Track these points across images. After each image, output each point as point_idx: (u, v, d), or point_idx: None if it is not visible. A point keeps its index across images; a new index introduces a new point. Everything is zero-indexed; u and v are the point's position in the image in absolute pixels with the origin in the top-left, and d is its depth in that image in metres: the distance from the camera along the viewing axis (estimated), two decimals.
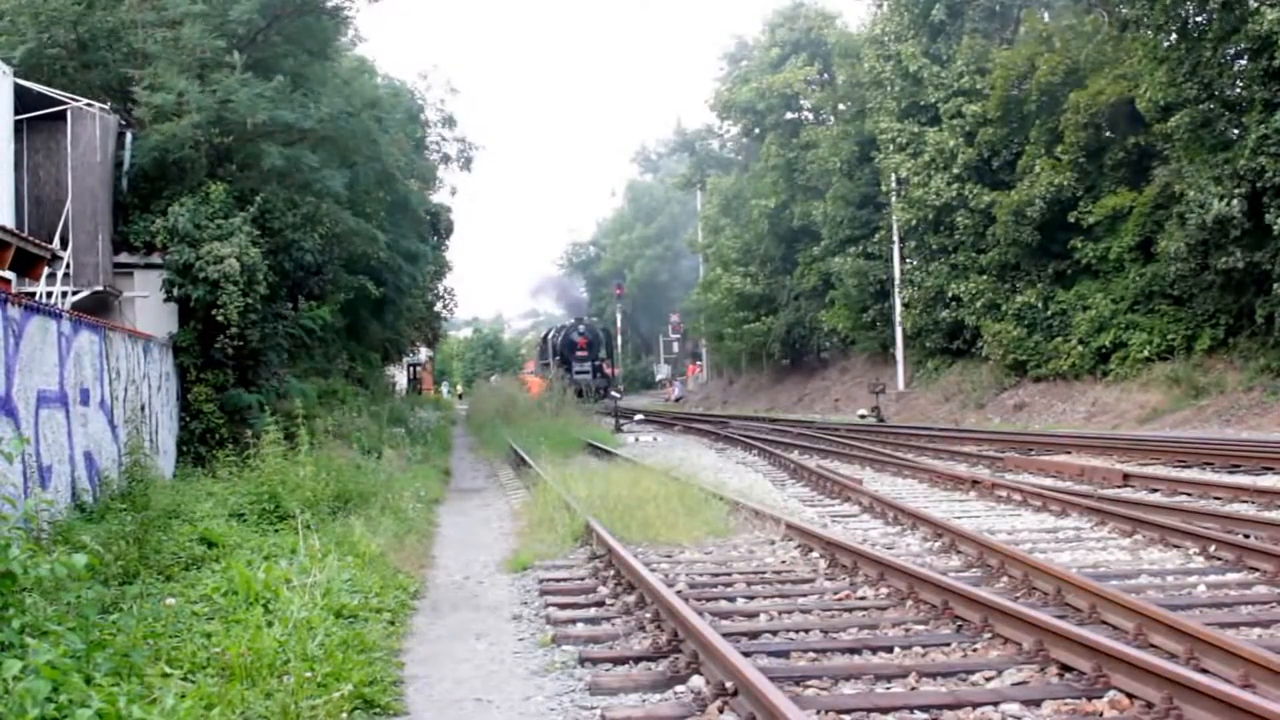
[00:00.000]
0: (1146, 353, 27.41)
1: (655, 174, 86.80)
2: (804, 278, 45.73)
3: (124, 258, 16.32)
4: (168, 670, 5.44)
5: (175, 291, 15.29)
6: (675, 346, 74.78)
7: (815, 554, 9.38)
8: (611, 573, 8.70)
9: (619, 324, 62.40)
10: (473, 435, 32.63)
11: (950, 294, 34.08)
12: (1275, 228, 22.29)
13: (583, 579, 8.90)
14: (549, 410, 31.05)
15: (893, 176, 36.07)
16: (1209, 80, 24.13)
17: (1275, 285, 23.15)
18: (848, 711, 5.18)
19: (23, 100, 15.09)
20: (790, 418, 37.04)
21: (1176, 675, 4.92)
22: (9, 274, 12.08)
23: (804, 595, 7.95)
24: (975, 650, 6.21)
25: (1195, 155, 24.79)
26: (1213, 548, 8.71)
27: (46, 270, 13.77)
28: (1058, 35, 31.24)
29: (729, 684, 5.31)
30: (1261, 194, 23.04)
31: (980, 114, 32.58)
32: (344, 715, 5.12)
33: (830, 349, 46.27)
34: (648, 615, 7.10)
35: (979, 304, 32.75)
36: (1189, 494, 12.43)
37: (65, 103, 15.55)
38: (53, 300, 14.08)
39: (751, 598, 7.91)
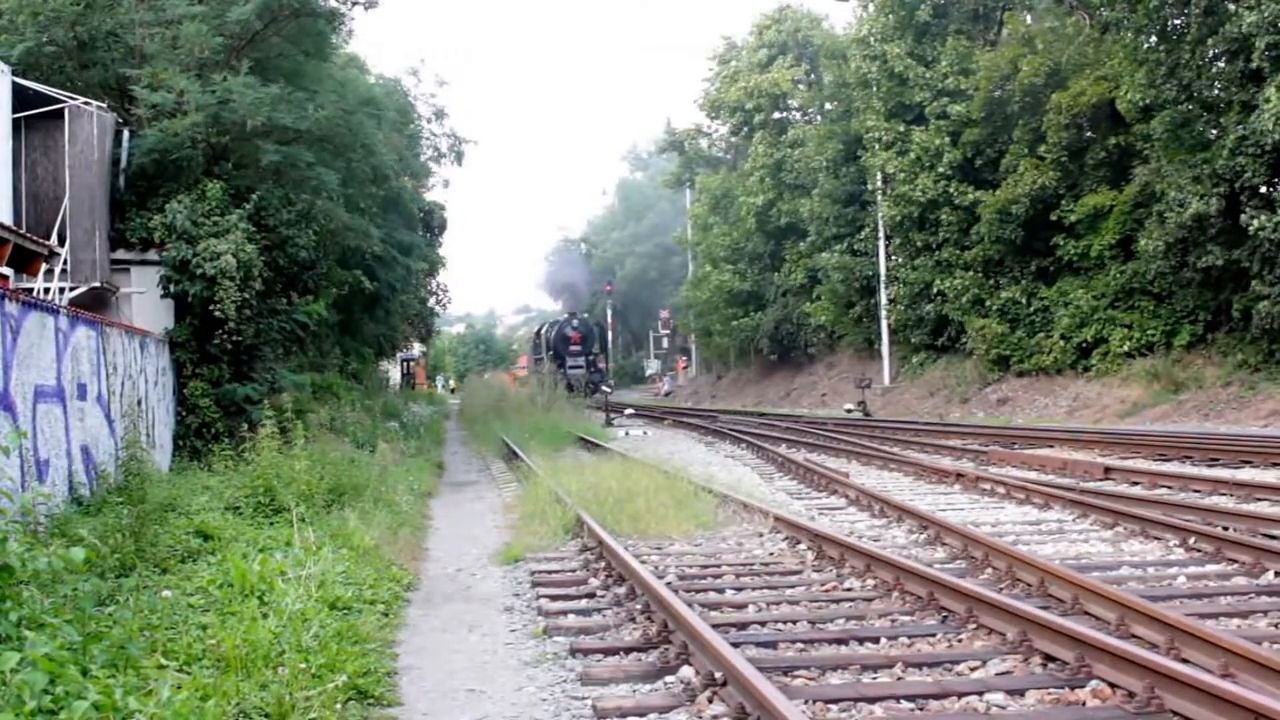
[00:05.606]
0: (1127, 348, 27.68)
1: (645, 172, 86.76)
2: (791, 274, 45.91)
3: (121, 254, 16.43)
4: (164, 662, 5.46)
5: (172, 288, 15.36)
6: (665, 342, 74.86)
7: (803, 546, 9.49)
8: (602, 565, 8.78)
9: (609, 320, 62.40)
10: (465, 429, 32.66)
11: (935, 290, 34.29)
12: (1251, 227, 22.52)
13: (574, 571, 8.97)
14: (540, 405, 31.10)
15: (879, 174, 36.26)
16: (1188, 82, 24.36)
17: (1253, 282, 23.38)
18: (835, 701, 5.24)
19: (21, 98, 15.17)
20: (778, 412, 37.19)
21: (1158, 665, 5.00)
22: (7, 270, 12.12)
23: (792, 587, 8.06)
24: (960, 641, 6.29)
25: (1174, 155, 25.05)
26: (1192, 540, 8.82)
27: (44, 266, 13.84)
28: (1040, 37, 31.44)
29: (718, 674, 5.38)
30: (1239, 194, 23.26)
31: (965, 114, 32.77)
32: (338, 706, 5.14)
33: (817, 344, 46.44)
34: (638, 607, 7.18)
35: (963, 300, 32.94)
36: (1169, 487, 12.56)
37: (63, 101, 15.64)
38: (50, 296, 14.11)
39: (740, 589, 8.00)
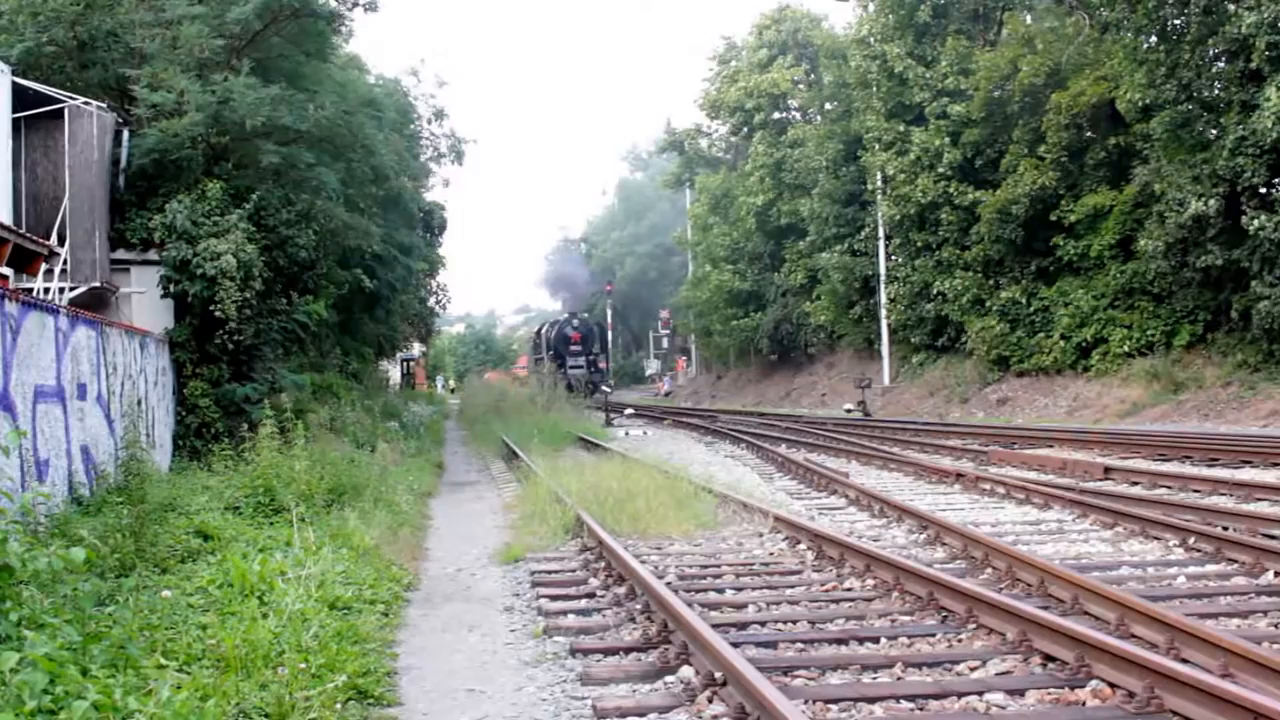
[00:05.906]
0: (1126, 348, 27.71)
1: (645, 172, 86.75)
2: (791, 274, 45.93)
3: (121, 254, 16.47)
4: (163, 662, 5.45)
5: (172, 288, 15.39)
6: (665, 342, 74.83)
7: (803, 546, 9.50)
8: (602, 565, 8.79)
9: (609, 320, 62.45)
10: (465, 429, 32.67)
11: (935, 290, 34.30)
12: (1251, 227, 22.51)
13: (574, 571, 8.97)
14: (540, 405, 31.10)
15: (878, 174, 36.27)
16: (1188, 82, 24.36)
17: (1253, 282, 23.39)
18: (835, 701, 5.24)
19: (21, 98, 15.19)
20: (778, 412, 37.20)
21: (1157, 665, 5.00)
22: (6, 270, 12.10)
23: (792, 586, 8.06)
24: (960, 641, 6.29)
25: (1174, 155, 25.06)
26: (1192, 540, 8.83)
27: (44, 266, 13.84)
28: (1039, 37, 31.46)
29: (718, 674, 5.38)
30: (1239, 194, 23.26)
31: (965, 114, 32.76)
32: (338, 706, 5.15)
33: (817, 344, 46.47)
34: (638, 606, 7.19)
35: (963, 300, 32.96)
36: (1169, 487, 12.58)
37: (63, 101, 15.67)
38: (50, 296, 14.12)
39: (740, 589, 8.00)
